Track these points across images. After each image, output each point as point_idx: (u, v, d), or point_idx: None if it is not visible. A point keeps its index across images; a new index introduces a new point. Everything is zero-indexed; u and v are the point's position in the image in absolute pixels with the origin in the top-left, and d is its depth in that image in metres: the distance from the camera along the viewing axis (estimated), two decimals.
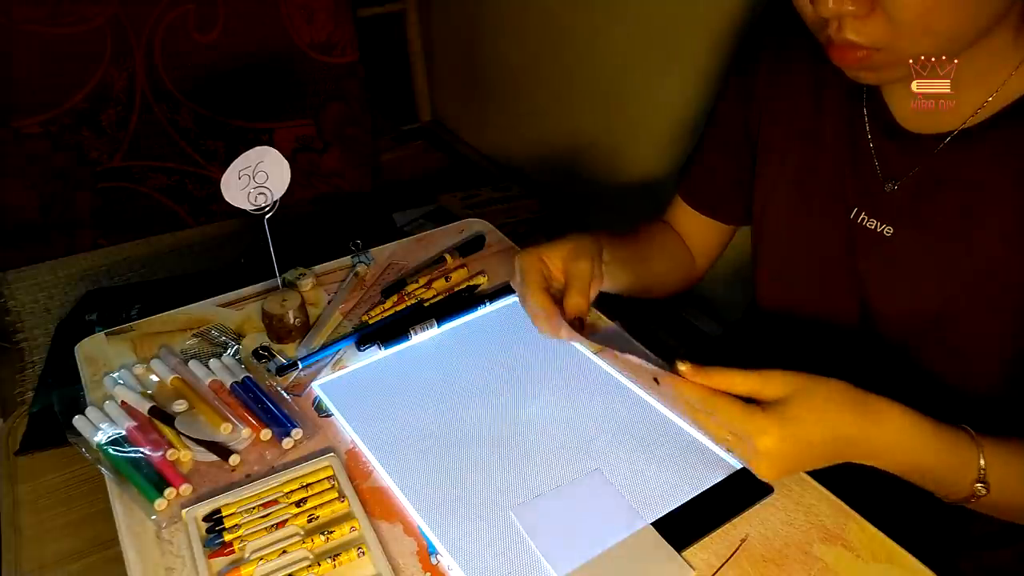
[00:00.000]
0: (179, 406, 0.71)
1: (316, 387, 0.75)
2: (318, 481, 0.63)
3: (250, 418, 0.69)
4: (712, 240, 0.89)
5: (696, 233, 0.89)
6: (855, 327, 0.72)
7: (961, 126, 0.61)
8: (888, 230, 0.67)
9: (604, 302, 0.78)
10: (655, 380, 0.57)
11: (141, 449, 0.66)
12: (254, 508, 0.61)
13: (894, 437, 0.54)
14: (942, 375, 0.67)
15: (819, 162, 0.72)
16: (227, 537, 0.59)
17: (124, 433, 0.68)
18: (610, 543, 0.58)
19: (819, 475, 0.63)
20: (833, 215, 0.71)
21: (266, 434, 0.68)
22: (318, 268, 0.93)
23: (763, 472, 0.54)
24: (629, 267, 0.80)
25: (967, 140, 0.61)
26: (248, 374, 0.74)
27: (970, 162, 0.61)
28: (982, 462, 0.56)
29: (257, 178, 0.73)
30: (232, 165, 0.71)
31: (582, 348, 0.77)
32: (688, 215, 0.88)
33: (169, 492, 0.63)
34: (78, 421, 0.70)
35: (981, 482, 0.56)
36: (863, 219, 0.68)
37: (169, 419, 0.69)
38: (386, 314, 0.84)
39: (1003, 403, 0.64)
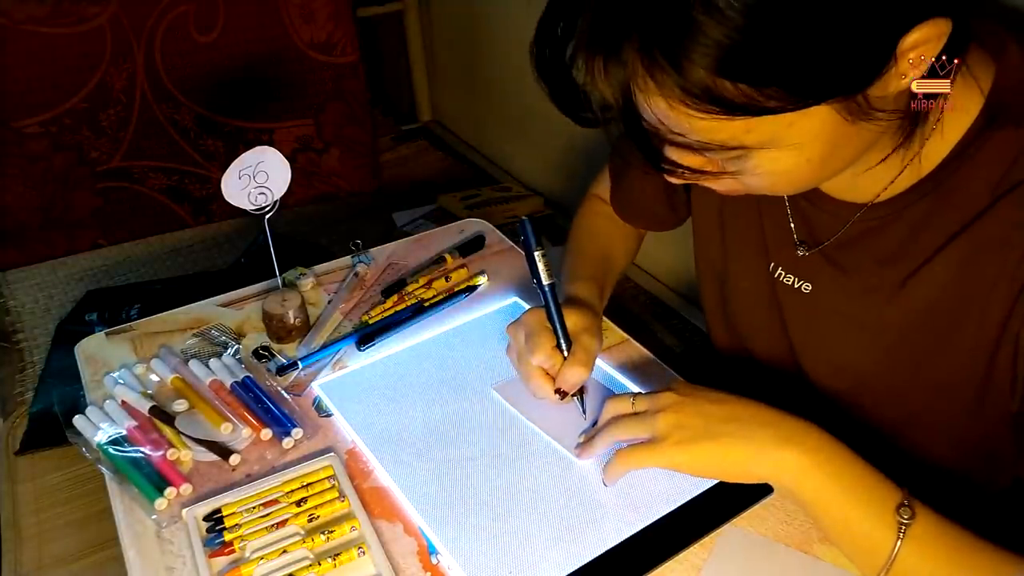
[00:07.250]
0: (179, 406, 0.71)
1: (316, 387, 0.75)
2: (318, 481, 0.63)
3: (250, 418, 0.69)
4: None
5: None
6: (791, 370, 0.71)
7: (874, 199, 0.59)
8: (807, 287, 0.66)
9: (609, 305, 0.79)
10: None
11: (141, 449, 0.66)
12: (254, 508, 0.61)
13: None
14: (877, 431, 0.65)
15: (740, 213, 0.71)
16: (227, 537, 0.59)
17: (124, 433, 0.68)
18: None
19: None
20: (755, 266, 0.70)
21: (266, 434, 0.68)
22: (318, 268, 0.93)
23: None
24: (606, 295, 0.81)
25: (882, 208, 0.59)
26: (248, 374, 0.74)
27: (884, 229, 0.60)
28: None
29: (257, 178, 0.73)
30: (232, 165, 0.71)
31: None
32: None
33: (169, 492, 0.63)
34: (78, 421, 0.70)
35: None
36: (780, 274, 0.68)
37: (169, 419, 0.69)
38: (386, 314, 0.84)
39: (946, 466, 0.63)
